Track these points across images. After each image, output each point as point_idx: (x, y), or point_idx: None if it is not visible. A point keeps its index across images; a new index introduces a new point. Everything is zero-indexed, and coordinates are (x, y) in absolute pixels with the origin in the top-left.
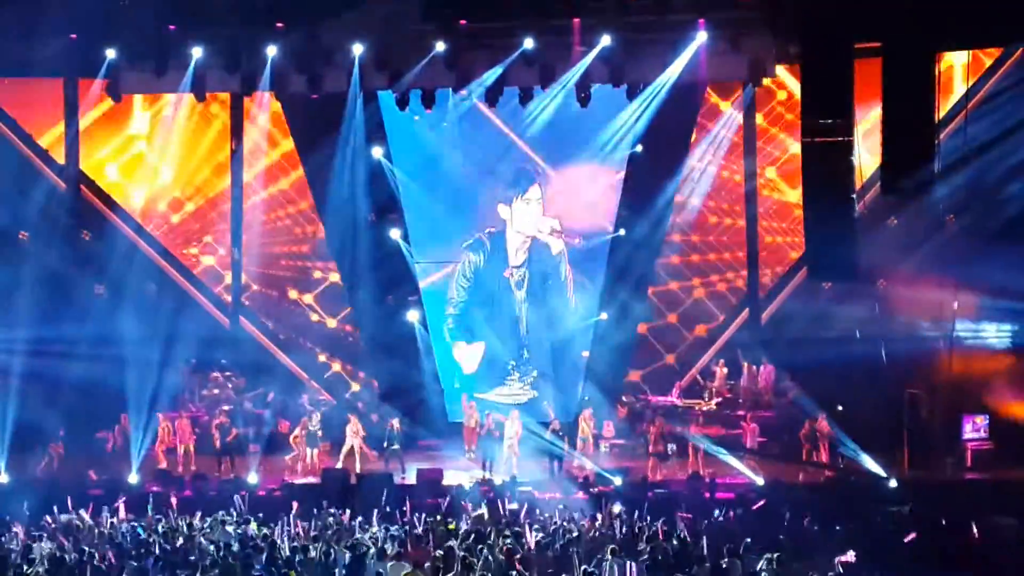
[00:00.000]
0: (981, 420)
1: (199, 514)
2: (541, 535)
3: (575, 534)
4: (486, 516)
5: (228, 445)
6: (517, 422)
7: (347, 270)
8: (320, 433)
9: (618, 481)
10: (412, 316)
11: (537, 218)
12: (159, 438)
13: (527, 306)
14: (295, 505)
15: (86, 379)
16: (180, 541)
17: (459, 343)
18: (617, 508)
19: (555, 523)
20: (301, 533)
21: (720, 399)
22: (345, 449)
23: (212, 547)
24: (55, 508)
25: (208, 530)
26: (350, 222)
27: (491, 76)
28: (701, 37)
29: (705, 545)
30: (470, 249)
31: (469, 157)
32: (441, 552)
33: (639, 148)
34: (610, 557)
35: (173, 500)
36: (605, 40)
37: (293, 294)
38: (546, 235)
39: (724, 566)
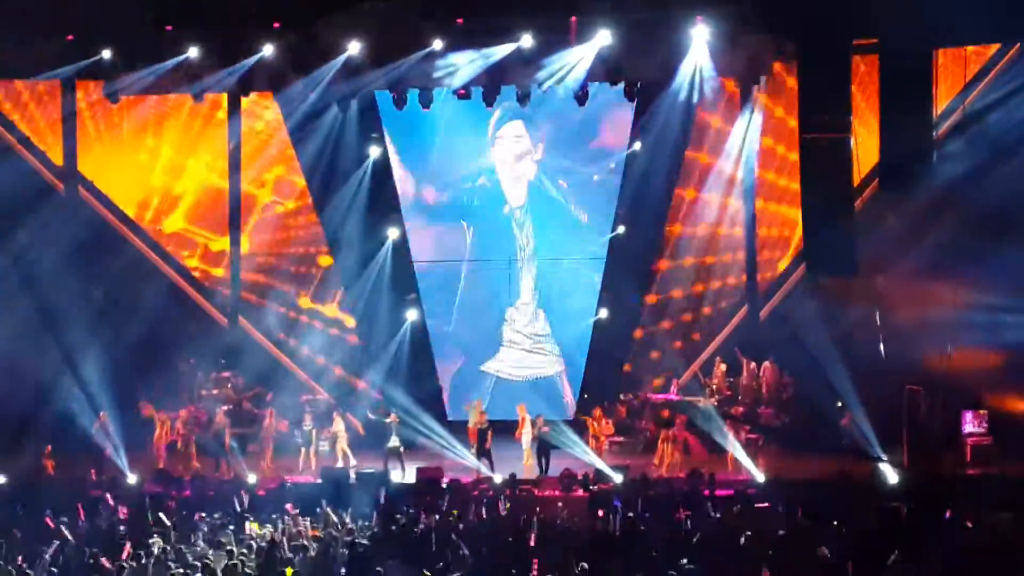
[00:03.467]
0: (983, 413)
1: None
2: (540, 533)
3: (574, 532)
4: (484, 515)
5: (227, 445)
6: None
7: (346, 270)
8: (314, 433)
9: (618, 479)
10: (411, 316)
11: (523, 153)
12: (157, 434)
13: (531, 248)
14: (293, 505)
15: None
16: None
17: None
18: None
19: (554, 522)
20: (300, 532)
21: (720, 396)
22: (338, 450)
23: (211, 550)
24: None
25: (208, 532)
26: (348, 222)
27: (488, 74)
28: (699, 34)
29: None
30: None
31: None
32: (441, 550)
33: (637, 146)
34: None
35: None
36: (602, 38)
37: (291, 294)
38: (534, 170)
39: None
